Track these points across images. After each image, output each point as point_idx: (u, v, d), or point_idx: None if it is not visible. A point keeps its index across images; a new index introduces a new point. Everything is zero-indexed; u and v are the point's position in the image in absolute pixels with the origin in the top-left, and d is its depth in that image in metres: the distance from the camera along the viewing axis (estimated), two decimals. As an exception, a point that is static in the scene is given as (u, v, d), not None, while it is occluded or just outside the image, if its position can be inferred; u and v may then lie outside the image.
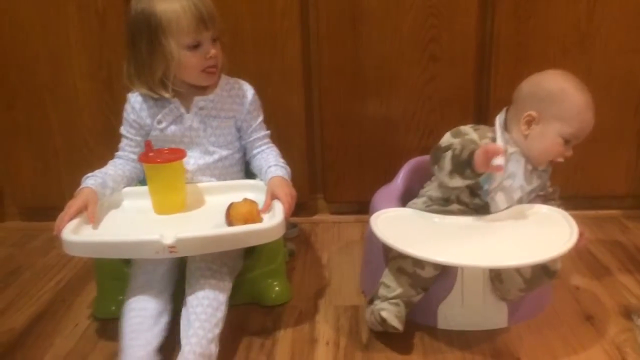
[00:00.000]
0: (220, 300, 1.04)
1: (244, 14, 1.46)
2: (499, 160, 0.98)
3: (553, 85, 1.11)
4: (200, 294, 1.03)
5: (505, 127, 1.15)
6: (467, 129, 1.14)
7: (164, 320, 1.04)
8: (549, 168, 1.18)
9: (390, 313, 1.06)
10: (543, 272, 1.07)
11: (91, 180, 1.12)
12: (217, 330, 1.01)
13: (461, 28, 1.46)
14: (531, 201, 1.17)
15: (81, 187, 1.11)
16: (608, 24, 1.44)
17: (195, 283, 1.05)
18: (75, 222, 1.05)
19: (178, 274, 1.11)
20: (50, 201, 1.58)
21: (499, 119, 1.15)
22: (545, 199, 1.21)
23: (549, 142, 1.10)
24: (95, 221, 1.08)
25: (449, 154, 1.07)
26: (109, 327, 1.16)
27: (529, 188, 1.15)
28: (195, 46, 1.14)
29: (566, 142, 1.10)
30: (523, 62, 1.46)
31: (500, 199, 1.12)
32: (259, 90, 1.29)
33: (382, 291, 1.11)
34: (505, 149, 1.09)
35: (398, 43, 1.47)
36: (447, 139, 1.14)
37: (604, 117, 1.51)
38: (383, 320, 1.06)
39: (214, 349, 1.00)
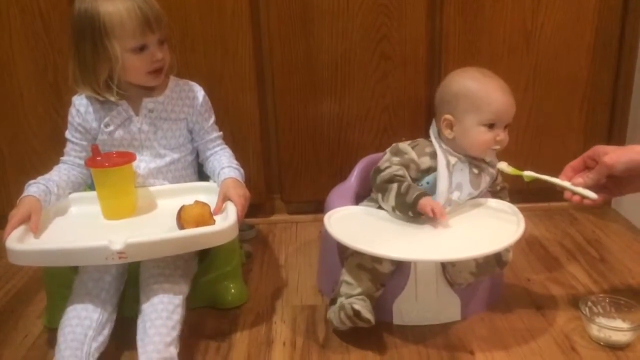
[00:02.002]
0: (176, 303, 1.02)
1: (193, 14, 1.45)
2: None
3: (454, 85, 1.15)
4: (155, 299, 1.02)
5: (440, 137, 1.17)
6: (406, 147, 1.17)
7: (106, 332, 1.02)
8: (495, 161, 1.21)
9: (362, 306, 1.05)
10: (495, 259, 1.10)
11: (34, 188, 1.09)
12: (174, 333, 0.99)
13: (411, 26, 1.48)
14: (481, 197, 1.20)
15: (23, 195, 1.08)
16: (552, 21, 1.48)
17: (148, 290, 1.03)
18: (21, 229, 1.02)
19: (123, 284, 1.10)
20: (-2, 209, 1.54)
21: (432, 132, 1.18)
22: (493, 195, 1.24)
23: (473, 135, 1.13)
24: (38, 232, 1.05)
25: (394, 189, 1.10)
26: (59, 336, 1.14)
27: (478, 192, 1.17)
28: (141, 49, 1.12)
29: (490, 127, 1.12)
30: (472, 60, 1.49)
31: (448, 211, 1.14)
32: (212, 92, 1.28)
33: (344, 289, 1.11)
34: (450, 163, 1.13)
35: (349, 42, 1.48)
36: (387, 158, 1.16)
37: (551, 111, 1.57)
38: (356, 313, 1.04)
39: (173, 351, 0.98)
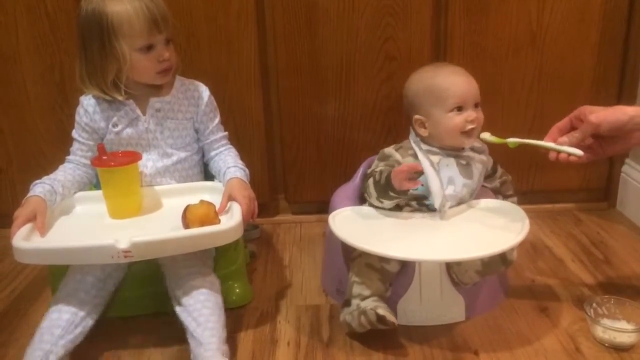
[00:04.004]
0: (221, 304, 1.06)
1: (199, 14, 1.45)
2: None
3: (412, 86, 1.19)
4: (201, 297, 1.04)
5: (421, 139, 1.19)
6: (391, 151, 1.19)
7: (79, 330, 1.02)
8: (484, 147, 1.21)
9: (384, 309, 1.05)
10: (500, 259, 1.10)
11: (39, 188, 1.09)
12: (226, 331, 1.04)
13: (416, 27, 1.47)
14: (481, 193, 1.20)
15: (29, 195, 1.09)
16: (557, 22, 1.47)
17: (189, 286, 1.04)
18: (27, 228, 1.03)
19: (113, 286, 1.10)
20: (3, 208, 1.54)
21: (412, 138, 1.20)
22: (496, 192, 1.25)
23: (445, 123, 1.14)
24: (44, 232, 1.05)
25: (371, 181, 1.14)
26: (65, 335, 1.14)
27: (474, 181, 1.18)
28: (148, 48, 1.12)
29: (459, 110, 1.14)
30: (477, 60, 1.49)
31: (450, 206, 1.15)
32: (217, 91, 1.28)
33: (356, 289, 1.10)
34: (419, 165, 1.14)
35: (354, 42, 1.48)
36: (375, 164, 1.20)
37: (556, 112, 1.54)
38: (381, 318, 1.04)
39: (228, 348, 1.02)
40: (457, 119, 1.13)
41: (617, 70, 1.53)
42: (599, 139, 1.07)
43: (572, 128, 1.08)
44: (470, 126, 1.13)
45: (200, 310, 1.02)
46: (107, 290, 1.09)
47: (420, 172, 1.10)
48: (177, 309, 1.04)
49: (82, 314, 1.03)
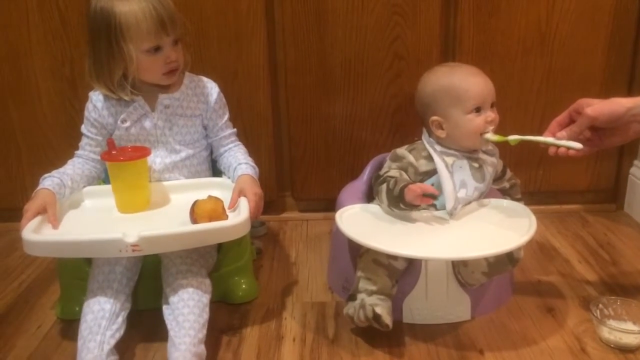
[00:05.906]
0: (205, 302, 1.05)
1: (208, 11, 1.46)
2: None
3: (428, 87, 1.17)
4: (185, 295, 1.04)
5: (436, 141, 1.18)
6: (403, 152, 1.18)
7: (120, 320, 1.03)
8: (495, 150, 1.21)
9: (383, 309, 1.05)
10: (507, 258, 1.09)
11: (48, 182, 1.10)
12: (204, 331, 1.03)
13: (425, 26, 1.48)
14: (489, 193, 1.20)
15: (38, 188, 1.09)
16: (567, 23, 1.47)
17: (177, 285, 1.05)
18: (36, 221, 1.04)
19: (136, 275, 1.11)
20: (13, 202, 1.56)
21: (425, 138, 1.20)
22: (504, 193, 1.25)
23: (465, 125, 1.13)
24: (56, 224, 1.06)
25: (384, 188, 1.13)
26: (72, 327, 1.15)
27: (484, 184, 1.18)
28: (156, 50, 1.12)
29: (477, 111, 1.13)
30: (486, 61, 1.49)
31: (460, 209, 1.15)
32: (225, 88, 1.28)
33: (362, 284, 1.10)
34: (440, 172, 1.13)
35: (363, 41, 1.48)
36: (387, 165, 1.19)
37: (565, 114, 1.56)
38: (376, 317, 1.04)
39: (204, 348, 1.01)
40: (477, 121, 1.13)
41: (626, 71, 1.53)
42: (597, 131, 1.08)
43: (572, 121, 1.08)
44: (490, 127, 1.13)
45: (181, 310, 1.02)
46: (134, 279, 1.10)
47: (434, 194, 1.09)
48: (164, 308, 1.05)
49: (119, 303, 1.04)
